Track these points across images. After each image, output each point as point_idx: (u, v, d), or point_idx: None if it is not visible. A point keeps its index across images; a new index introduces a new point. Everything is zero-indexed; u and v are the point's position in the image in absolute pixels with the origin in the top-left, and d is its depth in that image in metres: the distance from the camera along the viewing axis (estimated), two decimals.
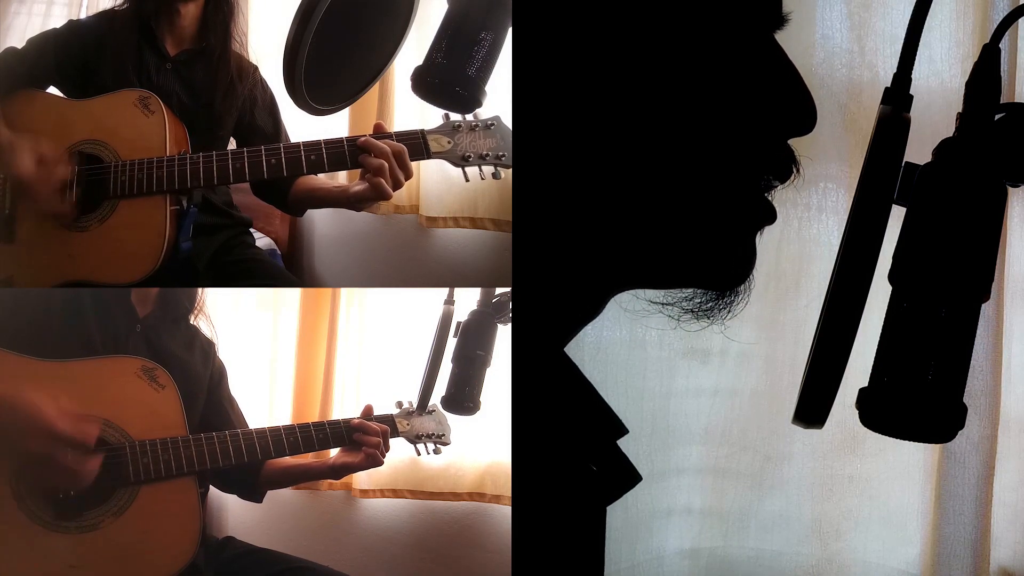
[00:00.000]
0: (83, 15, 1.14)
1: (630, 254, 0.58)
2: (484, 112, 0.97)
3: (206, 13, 1.02)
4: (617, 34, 0.54)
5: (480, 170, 0.97)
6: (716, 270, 0.59)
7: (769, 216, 0.59)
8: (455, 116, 0.97)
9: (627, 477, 0.61)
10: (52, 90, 1.00)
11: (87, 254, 0.93)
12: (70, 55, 1.00)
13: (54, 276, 0.93)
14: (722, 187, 0.57)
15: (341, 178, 1.24)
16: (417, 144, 0.95)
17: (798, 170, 0.59)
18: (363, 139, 0.94)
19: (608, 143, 0.54)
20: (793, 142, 0.59)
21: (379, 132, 0.96)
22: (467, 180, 0.98)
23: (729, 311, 0.61)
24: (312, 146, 0.94)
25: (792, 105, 0.58)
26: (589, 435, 0.61)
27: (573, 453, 0.59)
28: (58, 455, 0.83)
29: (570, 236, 0.57)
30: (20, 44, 1.02)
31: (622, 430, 0.62)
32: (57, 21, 1.06)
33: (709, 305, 0.61)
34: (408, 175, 0.95)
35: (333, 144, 0.94)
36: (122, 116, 0.96)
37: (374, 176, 0.93)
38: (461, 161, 0.96)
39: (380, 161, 0.93)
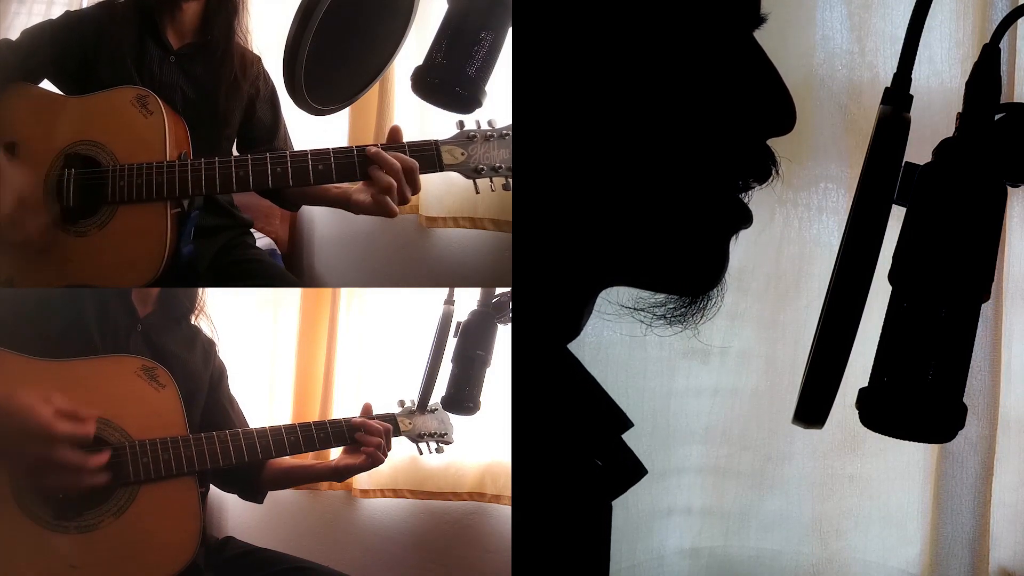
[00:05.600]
0: None
1: (617, 254, 0.58)
2: (496, 119, 0.94)
3: (209, 7, 1.00)
4: (611, 35, 0.54)
5: (491, 181, 0.94)
6: (688, 274, 0.59)
7: (745, 219, 0.59)
8: (469, 124, 0.94)
9: (633, 471, 0.61)
10: (48, 85, 0.99)
11: (87, 260, 0.92)
12: (68, 46, 0.97)
13: (54, 280, 0.92)
14: (701, 188, 0.57)
15: None
16: (431, 156, 0.92)
17: (777, 171, 0.59)
18: (374, 150, 0.90)
19: (602, 142, 0.55)
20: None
21: (394, 139, 0.93)
22: (477, 192, 0.94)
23: (702, 316, 0.61)
24: (320, 155, 0.91)
25: (771, 105, 0.58)
26: (594, 430, 0.61)
27: (577, 449, 0.59)
28: (59, 455, 0.82)
29: (571, 235, 0.57)
30: None
31: (627, 424, 0.62)
32: None
33: (681, 311, 0.61)
34: (416, 191, 0.92)
35: (342, 153, 0.91)
36: (119, 116, 0.94)
37: (380, 193, 0.90)
38: (473, 173, 0.93)
39: (389, 179, 0.89)
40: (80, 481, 0.85)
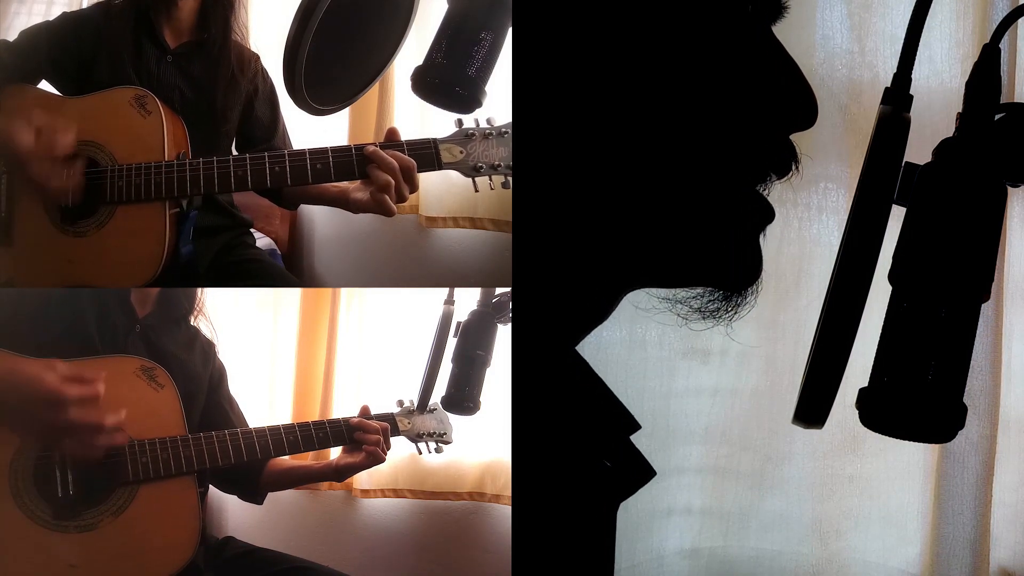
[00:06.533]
0: None
1: (637, 254, 0.58)
2: (495, 117, 0.94)
3: (205, 5, 1.00)
4: (617, 32, 0.54)
5: (490, 179, 0.94)
6: (727, 269, 0.59)
7: (768, 215, 0.59)
8: (468, 123, 0.94)
9: (641, 472, 0.61)
10: (46, 86, 0.99)
11: (86, 260, 0.91)
12: (65, 47, 0.97)
13: (53, 280, 0.92)
14: (725, 184, 0.57)
15: None
16: (429, 155, 0.92)
17: (797, 167, 0.59)
18: (371, 149, 0.90)
19: (609, 142, 0.54)
20: (794, 142, 0.59)
21: (391, 139, 0.93)
22: (476, 190, 0.94)
23: (736, 312, 0.61)
24: (318, 154, 0.92)
25: (793, 99, 0.58)
26: (602, 431, 0.61)
27: (584, 450, 0.59)
28: (75, 415, 0.81)
29: (572, 235, 0.57)
30: None
31: (635, 425, 0.62)
32: None
33: (716, 305, 0.61)
34: (414, 189, 0.92)
35: (340, 152, 0.91)
36: (118, 117, 0.94)
37: (378, 192, 0.90)
38: (472, 172, 0.93)
39: (387, 177, 0.90)
40: (98, 440, 0.84)
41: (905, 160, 0.54)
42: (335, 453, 1.14)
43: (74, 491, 0.86)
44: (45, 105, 0.96)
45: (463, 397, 1.11)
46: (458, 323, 1.10)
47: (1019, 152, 0.54)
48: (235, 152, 1.05)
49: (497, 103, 0.94)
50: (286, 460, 1.08)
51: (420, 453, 1.15)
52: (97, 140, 0.93)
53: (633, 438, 0.63)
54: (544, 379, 0.58)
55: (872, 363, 0.55)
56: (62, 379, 0.81)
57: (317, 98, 0.99)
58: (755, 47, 0.57)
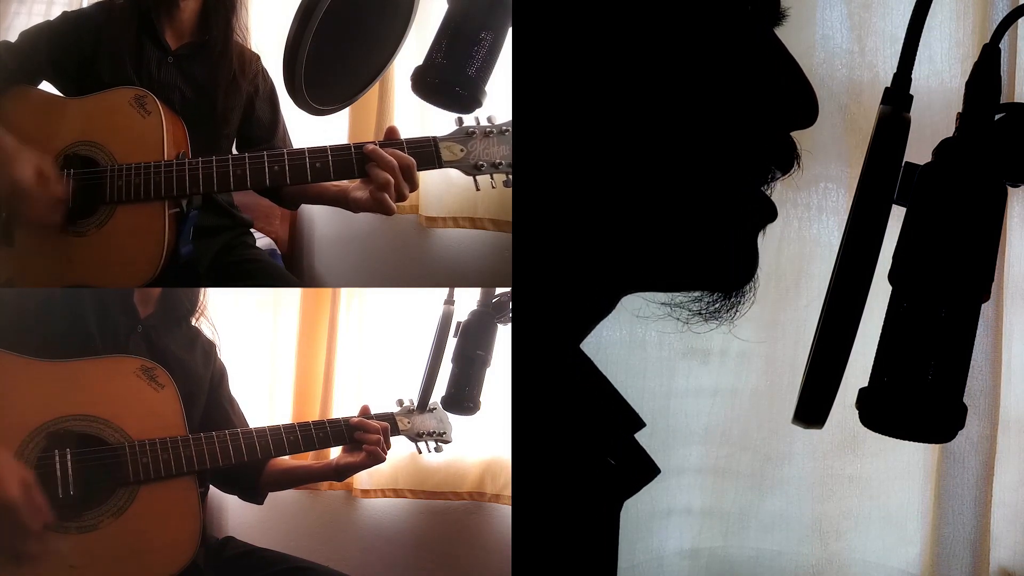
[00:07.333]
0: None
1: (635, 254, 0.58)
2: (496, 115, 0.94)
3: (207, 6, 1.00)
4: (618, 33, 0.54)
5: (491, 178, 0.94)
6: (720, 271, 0.59)
7: (770, 214, 0.59)
8: (468, 121, 0.94)
9: (646, 470, 0.61)
10: (47, 87, 0.99)
11: (86, 260, 0.92)
12: (66, 47, 0.97)
13: (53, 280, 0.92)
14: (725, 185, 0.57)
15: None
16: (429, 153, 0.92)
17: (799, 163, 0.59)
18: (371, 147, 0.90)
19: (610, 142, 0.54)
20: (794, 138, 0.59)
21: (391, 138, 0.93)
22: (478, 189, 0.94)
23: (736, 311, 0.61)
24: (317, 153, 0.92)
25: (794, 97, 0.58)
26: (607, 429, 0.61)
27: (587, 448, 0.59)
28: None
29: (572, 235, 0.57)
30: None
31: (639, 423, 0.62)
32: None
33: (716, 306, 0.61)
34: (414, 188, 0.92)
35: (339, 151, 0.91)
36: (117, 117, 0.94)
37: (378, 190, 0.90)
38: (473, 170, 0.93)
39: (386, 176, 0.90)
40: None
41: (905, 160, 0.54)
42: (335, 453, 1.14)
43: (74, 492, 0.86)
44: (45, 108, 0.96)
45: (463, 397, 1.11)
46: (458, 323, 1.10)
47: (1019, 152, 0.54)
48: (235, 152, 1.06)
49: (497, 102, 0.94)
50: (286, 460, 1.08)
51: (420, 452, 1.15)
52: (97, 140, 0.93)
53: (635, 437, 0.63)
54: (544, 378, 0.58)
55: (872, 363, 0.55)
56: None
57: (317, 98, 0.99)
58: (755, 46, 0.57)
